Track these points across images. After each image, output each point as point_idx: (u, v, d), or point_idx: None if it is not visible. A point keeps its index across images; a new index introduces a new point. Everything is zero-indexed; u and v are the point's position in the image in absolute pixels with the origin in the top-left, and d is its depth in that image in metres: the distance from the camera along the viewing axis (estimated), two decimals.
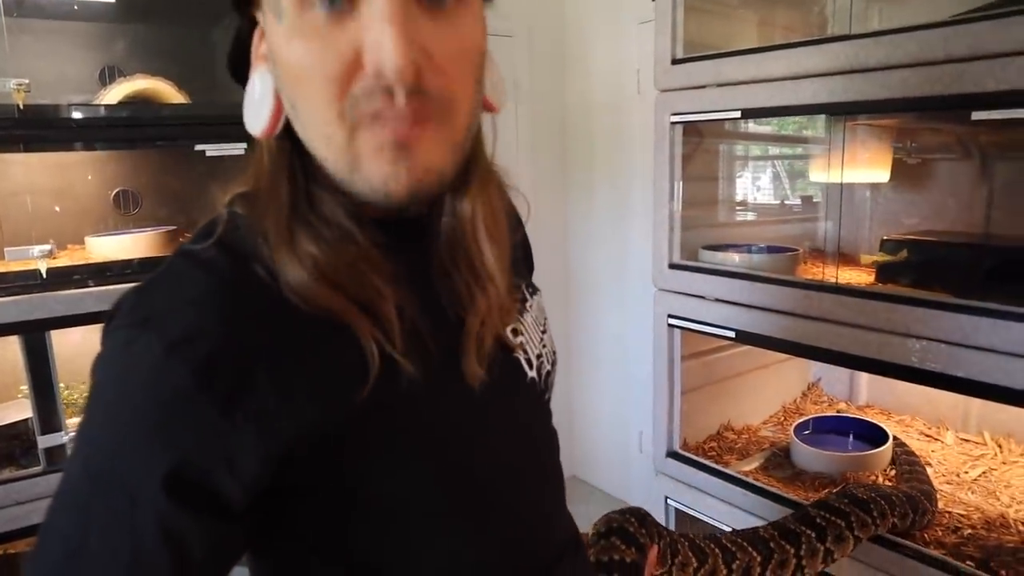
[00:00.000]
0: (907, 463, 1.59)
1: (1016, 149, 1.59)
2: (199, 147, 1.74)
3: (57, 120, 1.59)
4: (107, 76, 2.05)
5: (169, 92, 1.94)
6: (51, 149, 1.76)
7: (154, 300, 0.53)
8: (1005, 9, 1.09)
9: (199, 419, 0.49)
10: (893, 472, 1.61)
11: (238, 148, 1.78)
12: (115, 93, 1.88)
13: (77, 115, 1.62)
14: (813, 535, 1.20)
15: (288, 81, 0.54)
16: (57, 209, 1.99)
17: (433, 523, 0.59)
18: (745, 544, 1.19)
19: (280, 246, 0.56)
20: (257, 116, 0.58)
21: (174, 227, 2.00)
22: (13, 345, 1.62)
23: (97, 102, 1.83)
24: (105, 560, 0.48)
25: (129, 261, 1.75)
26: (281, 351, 0.53)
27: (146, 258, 1.80)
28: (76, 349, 2.02)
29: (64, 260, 1.76)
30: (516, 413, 0.70)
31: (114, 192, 2.09)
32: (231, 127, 1.84)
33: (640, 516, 1.08)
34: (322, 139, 0.54)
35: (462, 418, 0.62)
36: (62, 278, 1.63)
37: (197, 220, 2.21)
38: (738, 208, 2.07)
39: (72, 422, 1.84)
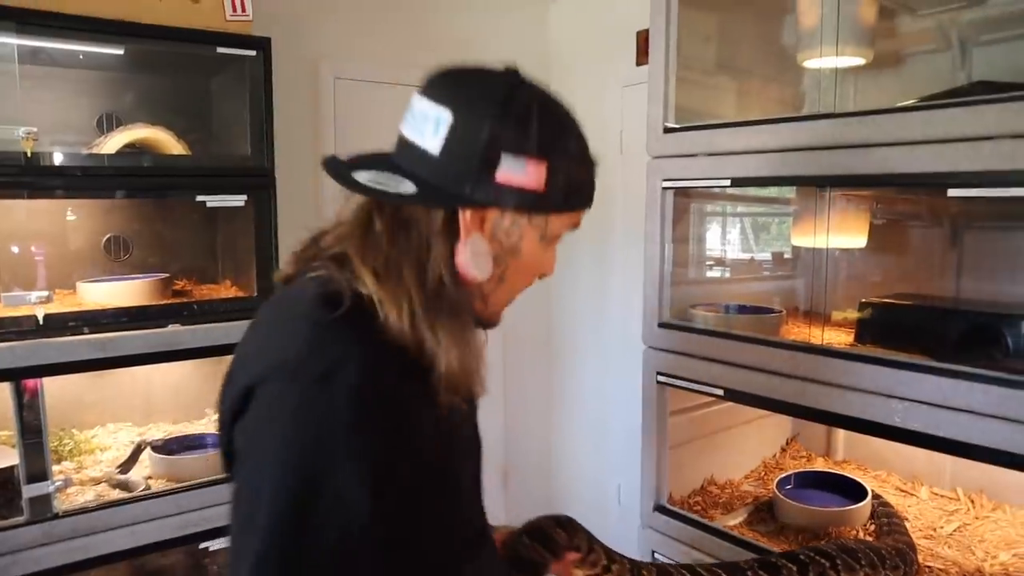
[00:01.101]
0: (885, 515, 1.65)
1: (984, 219, 1.70)
2: (200, 198, 1.77)
3: (63, 168, 1.61)
4: (105, 124, 2.07)
5: (168, 142, 1.97)
6: (56, 197, 1.78)
7: (326, 358, 0.71)
8: (978, 97, 1.19)
9: (384, 435, 0.71)
10: (873, 527, 1.66)
11: (238, 200, 1.81)
12: (115, 141, 1.90)
13: (83, 164, 1.65)
14: (795, 569, 1.25)
15: (518, 262, 0.84)
16: (39, 255, 1.99)
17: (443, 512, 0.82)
18: (721, 572, 1.23)
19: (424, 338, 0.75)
20: (483, 266, 0.79)
21: (166, 275, 2.01)
22: (2, 392, 1.60)
23: (96, 149, 1.86)
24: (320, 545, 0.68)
25: (125, 309, 1.75)
26: (411, 393, 0.74)
27: (142, 306, 1.80)
28: (64, 396, 2.00)
29: (57, 306, 1.76)
30: (476, 428, 0.93)
31: (105, 238, 2.10)
32: (231, 179, 1.89)
33: (566, 522, 1.14)
34: (504, 295, 0.87)
35: (470, 443, 0.91)
36: (58, 325, 1.63)
37: (188, 267, 2.20)
38: (722, 268, 2.15)
39: (56, 469, 1.82)
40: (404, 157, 0.79)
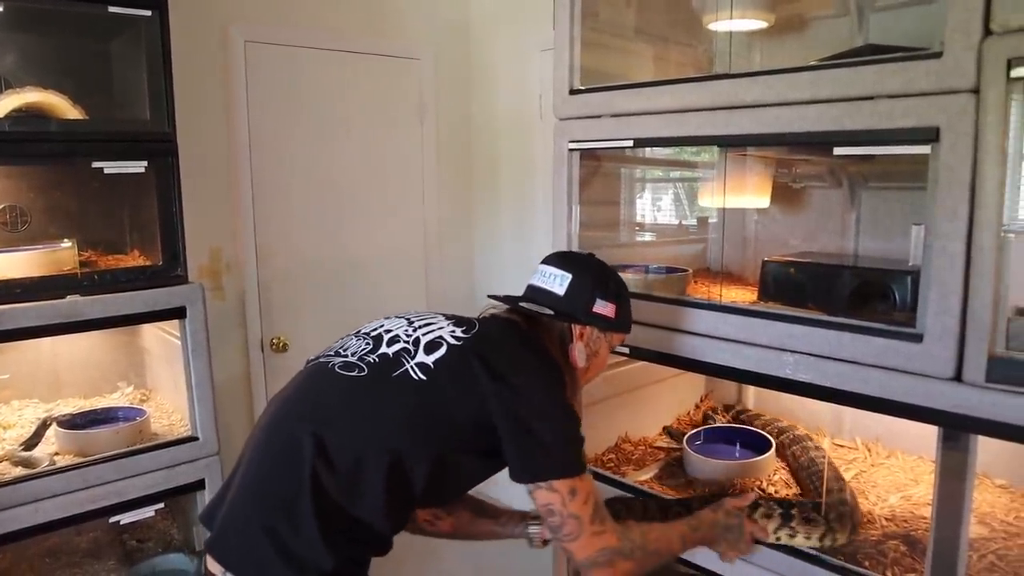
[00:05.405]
0: (808, 462, 1.71)
1: (877, 179, 1.76)
2: (97, 164, 1.70)
3: None
4: None
5: (63, 106, 1.88)
6: None
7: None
8: (859, 59, 1.22)
9: None
10: (777, 477, 1.73)
11: (138, 166, 1.75)
12: (2, 106, 1.81)
13: None
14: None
15: (596, 359, 1.38)
16: None
17: None
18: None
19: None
20: (582, 358, 1.34)
21: (67, 245, 1.93)
22: None
23: None
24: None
25: (19, 280, 1.68)
26: None
27: (38, 277, 1.73)
28: None
29: None
30: None
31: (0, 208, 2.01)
32: (130, 144, 1.82)
33: None
34: (586, 378, 1.42)
35: None
36: None
37: (91, 238, 2.11)
38: (634, 229, 2.18)
39: None
40: (540, 295, 1.33)
